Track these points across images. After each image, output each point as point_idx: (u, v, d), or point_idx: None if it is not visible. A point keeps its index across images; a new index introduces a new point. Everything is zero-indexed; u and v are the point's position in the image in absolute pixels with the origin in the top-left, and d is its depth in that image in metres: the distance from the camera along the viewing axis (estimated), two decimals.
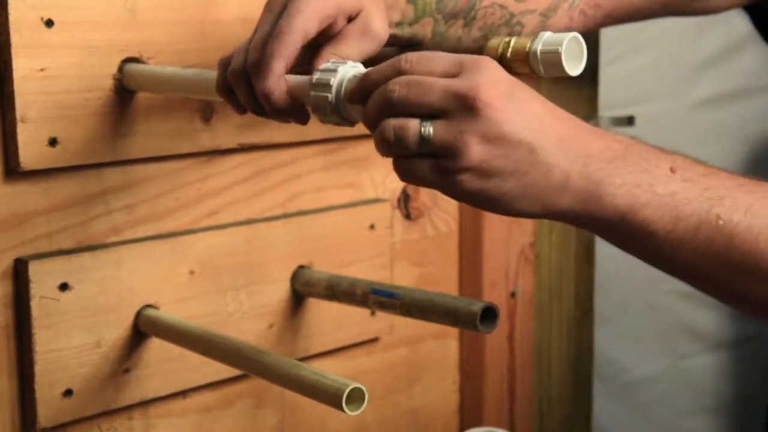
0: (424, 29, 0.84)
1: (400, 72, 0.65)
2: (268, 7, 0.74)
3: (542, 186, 0.64)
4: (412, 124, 0.63)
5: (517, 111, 0.63)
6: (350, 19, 0.74)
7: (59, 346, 0.84)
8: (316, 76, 0.69)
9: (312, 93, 0.69)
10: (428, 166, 0.63)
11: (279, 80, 0.70)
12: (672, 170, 0.66)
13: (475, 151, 0.62)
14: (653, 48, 1.66)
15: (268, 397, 1.01)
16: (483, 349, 1.19)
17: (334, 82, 0.68)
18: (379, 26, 0.75)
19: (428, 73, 0.64)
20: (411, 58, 0.65)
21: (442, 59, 0.65)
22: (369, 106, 0.65)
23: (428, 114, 0.63)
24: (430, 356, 1.17)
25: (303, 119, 0.73)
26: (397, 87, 0.63)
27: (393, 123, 0.63)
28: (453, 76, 0.63)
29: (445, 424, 1.20)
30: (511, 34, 0.87)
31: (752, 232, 0.66)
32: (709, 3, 1.02)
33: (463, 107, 0.62)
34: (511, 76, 0.64)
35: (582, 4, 0.92)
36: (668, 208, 0.65)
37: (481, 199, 0.64)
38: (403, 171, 0.65)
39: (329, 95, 0.68)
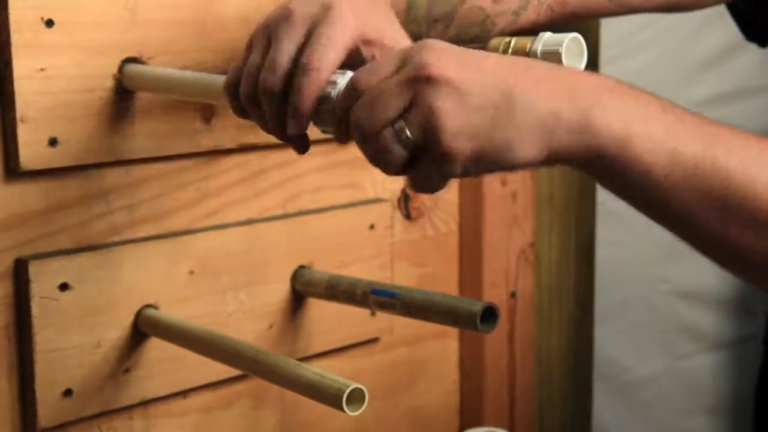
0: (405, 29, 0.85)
1: (357, 95, 0.64)
2: (288, 20, 0.70)
3: (533, 124, 0.62)
4: (387, 133, 0.62)
5: (475, 66, 0.62)
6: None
7: (59, 346, 0.84)
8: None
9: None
10: (426, 164, 0.63)
11: (305, 119, 0.69)
12: (663, 107, 0.65)
13: (452, 117, 0.61)
14: (653, 48, 1.66)
15: (268, 397, 1.01)
16: (483, 349, 1.19)
17: (335, 93, 0.67)
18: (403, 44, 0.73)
19: (380, 80, 0.63)
20: (359, 76, 0.64)
21: (387, 60, 0.64)
22: (354, 138, 0.65)
23: (398, 115, 0.62)
24: (430, 356, 1.17)
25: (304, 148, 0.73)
26: (360, 113, 0.63)
27: (373, 147, 0.63)
28: (403, 67, 0.63)
29: (445, 424, 1.20)
30: (484, 32, 0.88)
31: (749, 177, 0.65)
32: (682, 2, 1.02)
33: (421, 86, 0.61)
34: (459, 47, 0.63)
35: (551, 0, 0.93)
36: (664, 141, 0.64)
37: (483, 160, 0.62)
38: (415, 185, 0.65)
39: (331, 106, 0.68)
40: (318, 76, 0.68)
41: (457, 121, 0.61)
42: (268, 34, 0.71)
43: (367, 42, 0.71)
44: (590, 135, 0.63)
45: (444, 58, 0.61)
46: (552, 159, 0.64)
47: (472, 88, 0.61)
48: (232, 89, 0.73)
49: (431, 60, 0.61)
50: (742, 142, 0.66)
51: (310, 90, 0.68)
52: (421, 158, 0.63)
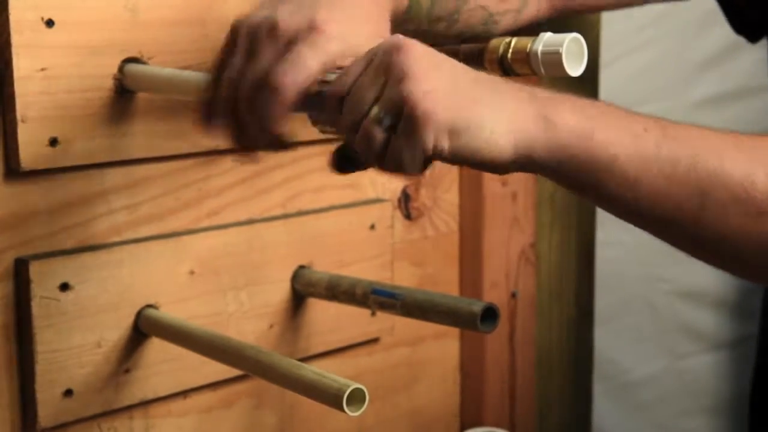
0: (407, 26, 0.85)
1: (335, 102, 0.66)
2: (273, 33, 0.70)
3: (500, 106, 0.64)
4: (367, 123, 0.64)
5: (443, 58, 0.64)
6: None
7: (60, 346, 0.84)
8: (312, 88, 0.69)
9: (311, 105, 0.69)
10: (403, 137, 0.63)
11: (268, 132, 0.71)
12: (617, 108, 0.67)
13: (421, 80, 0.62)
14: (653, 48, 1.66)
15: (268, 397, 1.01)
16: (483, 350, 1.19)
17: None
18: None
19: (354, 80, 0.65)
20: (347, 71, 0.66)
21: (357, 62, 0.66)
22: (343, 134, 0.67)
23: (374, 102, 0.64)
24: (431, 356, 1.17)
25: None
26: (345, 116, 0.65)
27: (359, 137, 0.64)
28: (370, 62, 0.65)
29: (445, 424, 1.20)
30: (486, 31, 0.88)
31: (715, 151, 0.66)
32: None
33: (388, 68, 0.63)
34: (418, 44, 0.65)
35: None
36: (624, 129, 0.65)
37: (455, 133, 0.63)
38: (390, 165, 0.65)
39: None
40: (284, 100, 0.68)
41: (427, 82, 0.62)
42: (252, 40, 0.71)
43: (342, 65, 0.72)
44: (550, 129, 0.64)
45: (404, 40, 0.64)
46: (521, 155, 0.65)
47: (441, 62, 0.64)
48: (212, 89, 0.73)
49: (398, 42, 0.63)
50: (700, 127, 0.67)
51: (274, 109, 0.69)
52: (396, 134, 0.64)
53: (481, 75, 0.66)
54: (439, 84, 0.63)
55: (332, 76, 0.68)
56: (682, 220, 0.67)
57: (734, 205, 0.66)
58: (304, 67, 0.68)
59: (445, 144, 0.63)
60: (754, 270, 0.69)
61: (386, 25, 0.76)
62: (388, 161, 0.65)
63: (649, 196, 0.66)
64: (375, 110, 0.63)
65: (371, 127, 0.63)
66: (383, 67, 0.63)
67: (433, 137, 0.63)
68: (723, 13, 1.15)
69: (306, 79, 0.68)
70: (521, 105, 0.64)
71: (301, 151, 1.00)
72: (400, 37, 0.64)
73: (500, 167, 0.65)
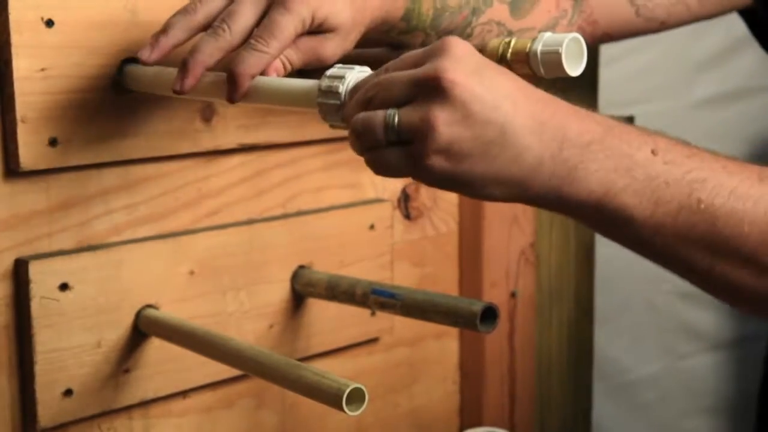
0: (414, 39, 0.84)
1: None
2: None
3: (514, 170, 0.62)
4: (379, 114, 0.62)
5: (485, 90, 0.61)
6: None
7: (59, 346, 0.84)
8: (324, 82, 0.68)
9: (320, 100, 0.68)
10: (398, 153, 0.63)
11: (241, 93, 0.73)
12: (653, 153, 0.65)
13: (443, 131, 0.60)
14: (653, 48, 1.66)
15: (268, 397, 1.01)
16: (483, 350, 1.19)
17: (343, 89, 0.68)
18: (330, 54, 0.76)
19: (397, 69, 0.64)
20: (388, 65, 0.65)
21: (412, 54, 0.64)
22: (346, 112, 0.65)
23: (396, 105, 0.62)
24: (431, 356, 1.17)
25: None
26: (367, 90, 0.64)
27: (361, 116, 0.63)
28: (421, 65, 0.63)
29: (445, 424, 1.20)
30: None
31: (736, 216, 0.64)
32: (704, 13, 1.01)
33: (428, 90, 0.61)
34: (480, 55, 0.63)
35: (580, 21, 0.92)
36: (647, 192, 0.64)
37: (453, 184, 0.63)
38: (374, 163, 0.64)
39: (338, 102, 0.68)
40: (268, 59, 0.71)
41: (447, 138, 0.60)
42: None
43: (320, 24, 0.74)
44: (569, 191, 0.64)
45: (460, 68, 0.61)
46: (524, 201, 0.65)
47: (473, 113, 0.61)
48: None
49: (447, 65, 0.61)
50: (731, 181, 0.65)
51: (253, 68, 0.71)
52: (395, 149, 0.63)
53: (526, 98, 0.62)
54: (458, 141, 0.61)
55: (342, 71, 0.68)
56: (693, 272, 0.67)
57: (746, 267, 0.65)
58: (284, 30, 0.71)
59: (437, 184, 0.63)
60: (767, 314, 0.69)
61: (366, 12, 0.77)
62: (375, 162, 0.64)
63: (662, 253, 0.66)
64: (392, 112, 0.62)
65: (378, 122, 0.62)
66: (424, 82, 0.61)
67: (429, 180, 0.63)
68: (749, 29, 1.13)
69: (286, 39, 0.71)
70: (543, 161, 0.62)
71: (301, 151, 1.00)
72: (454, 53, 0.61)
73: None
